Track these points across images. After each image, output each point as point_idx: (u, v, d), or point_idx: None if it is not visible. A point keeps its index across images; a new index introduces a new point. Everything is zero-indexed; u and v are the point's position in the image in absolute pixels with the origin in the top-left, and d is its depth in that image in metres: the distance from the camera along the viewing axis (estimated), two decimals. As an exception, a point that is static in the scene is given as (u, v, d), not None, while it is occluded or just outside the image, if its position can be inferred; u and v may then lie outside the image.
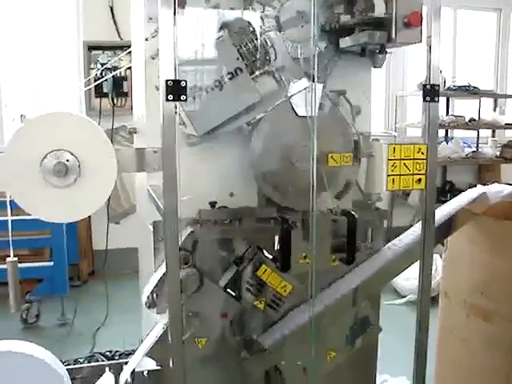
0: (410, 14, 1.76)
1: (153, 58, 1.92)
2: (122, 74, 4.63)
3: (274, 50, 1.87)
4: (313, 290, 1.85)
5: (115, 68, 4.36)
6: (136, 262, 2.88)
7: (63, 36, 5.10)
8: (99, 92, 4.68)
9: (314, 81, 1.80)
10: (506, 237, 2.38)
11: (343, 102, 2.02)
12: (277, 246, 1.92)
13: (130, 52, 2.53)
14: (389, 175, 1.80)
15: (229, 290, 1.90)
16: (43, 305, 4.09)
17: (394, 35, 1.79)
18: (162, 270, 1.80)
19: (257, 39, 1.82)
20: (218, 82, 1.78)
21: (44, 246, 4.55)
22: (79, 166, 1.59)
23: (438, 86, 1.80)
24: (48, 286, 4.09)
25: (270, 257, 1.92)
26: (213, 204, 1.88)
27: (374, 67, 2.06)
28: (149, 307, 1.85)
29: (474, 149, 6.13)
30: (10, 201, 1.65)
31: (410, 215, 5.01)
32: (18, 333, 3.87)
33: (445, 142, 6.06)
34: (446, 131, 6.25)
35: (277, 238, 1.91)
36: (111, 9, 4.98)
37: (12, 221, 1.92)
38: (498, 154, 6.18)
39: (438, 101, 1.81)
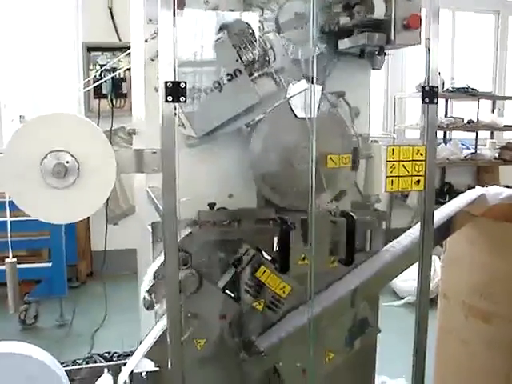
0: (409, 16, 1.77)
1: (152, 60, 1.92)
2: (121, 76, 4.64)
3: (273, 51, 1.88)
4: (312, 291, 1.85)
5: (114, 69, 4.37)
6: (134, 263, 2.88)
7: (62, 37, 5.10)
8: (98, 93, 4.68)
9: (312, 82, 1.80)
10: (505, 238, 2.39)
11: (342, 103, 2.02)
12: (276, 248, 1.92)
13: (129, 53, 2.53)
14: (388, 177, 1.80)
15: (227, 291, 1.90)
16: (41, 306, 4.09)
17: (392, 37, 1.79)
18: (155, 267, 1.81)
19: (256, 41, 1.82)
20: (217, 84, 1.78)
21: (42, 246, 4.55)
22: (78, 167, 1.59)
23: (437, 87, 1.81)
24: (46, 287, 4.09)
25: (269, 258, 1.92)
26: (212, 205, 1.88)
27: (373, 69, 2.06)
28: (147, 308, 1.85)
29: (473, 150, 6.14)
30: (9, 202, 1.65)
31: (408, 217, 5.02)
32: (16, 334, 3.87)
33: (443, 144, 6.07)
34: (445, 133, 6.26)
35: (276, 239, 1.91)
36: (110, 10, 4.98)
37: (11, 222, 1.92)
38: (497, 155, 6.20)
39: (436, 102, 1.81)
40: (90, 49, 4.96)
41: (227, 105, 1.80)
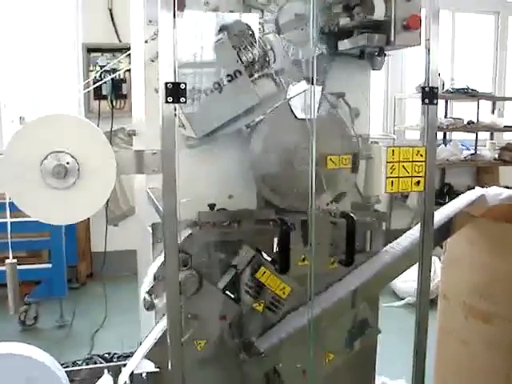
0: (409, 17, 1.77)
1: (152, 61, 1.93)
2: (121, 77, 4.64)
3: (273, 52, 1.88)
4: (311, 292, 1.85)
5: (114, 70, 4.37)
6: (135, 264, 2.88)
7: (62, 38, 5.10)
8: (98, 94, 4.68)
9: (312, 83, 1.80)
10: (504, 239, 2.39)
11: (342, 104, 2.02)
12: (276, 248, 1.93)
13: (129, 54, 2.53)
14: (388, 177, 1.80)
15: (228, 292, 1.90)
16: (41, 307, 4.09)
17: (392, 38, 1.79)
18: (155, 268, 1.81)
19: (256, 42, 1.83)
20: (218, 85, 1.78)
21: (42, 247, 4.55)
22: (78, 168, 1.59)
23: (437, 88, 1.81)
24: (46, 288, 4.09)
25: (269, 259, 1.92)
26: (212, 206, 1.88)
27: (373, 69, 2.06)
28: (147, 309, 1.85)
29: (473, 151, 6.14)
30: (9, 203, 1.65)
31: (408, 217, 5.02)
32: (16, 335, 3.86)
33: (443, 145, 6.07)
34: (445, 134, 6.26)
35: (276, 240, 1.91)
36: (110, 11, 4.98)
37: (11, 223, 1.92)
38: (497, 156, 6.19)
39: (436, 103, 1.81)
40: (90, 50, 4.96)
41: (227, 106, 1.80)
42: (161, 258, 1.74)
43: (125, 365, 2.20)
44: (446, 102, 6.28)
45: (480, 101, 5.99)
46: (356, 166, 2.01)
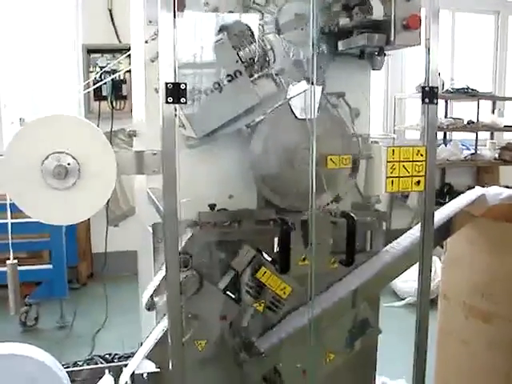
0: (409, 17, 1.77)
1: (152, 61, 1.93)
2: (121, 77, 4.64)
3: (273, 52, 1.88)
4: (312, 291, 1.85)
5: (114, 71, 4.37)
6: (135, 264, 2.88)
7: (62, 39, 5.10)
8: (98, 95, 4.68)
9: (312, 83, 1.80)
10: (505, 238, 2.39)
11: (342, 104, 2.02)
12: (276, 248, 1.93)
13: (129, 55, 2.53)
14: (388, 177, 1.80)
15: (228, 293, 1.90)
16: (42, 307, 4.09)
17: (392, 37, 1.79)
18: (162, 273, 1.81)
19: (256, 42, 1.83)
20: (218, 85, 1.78)
21: (43, 248, 4.55)
22: (79, 169, 1.60)
23: (437, 88, 1.81)
24: (47, 288, 4.09)
25: (270, 259, 1.92)
26: (212, 206, 1.88)
27: (373, 69, 2.06)
28: (148, 309, 1.85)
29: (473, 151, 6.14)
30: (10, 203, 1.65)
31: (408, 217, 5.01)
32: (16, 335, 3.87)
33: (443, 145, 6.07)
34: (445, 133, 6.26)
35: (276, 240, 1.91)
36: (110, 12, 4.98)
37: (12, 223, 1.93)
38: (497, 156, 6.19)
39: (436, 103, 1.81)
40: (90, 51, 4.96)
41: (227, 106, 1.80)
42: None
43: (126, 365, 2.20)
44: (446, 101, 6.28)
45: (480, 100, 5.98)
46: (356, 166, 2.01)
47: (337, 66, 2.00)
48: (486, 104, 6.24)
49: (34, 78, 4.83)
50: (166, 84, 1.53)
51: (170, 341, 1.64)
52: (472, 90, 5.95)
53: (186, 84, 1.54)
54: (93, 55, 4.97)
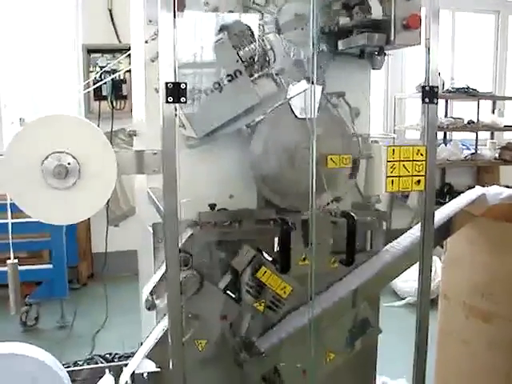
0: (409, 16, 1.77)
1: (152, 61, 1.92)
2: (121, 77, 4.64)
3: (273, 52, 1.88)
4: (312, 291, 1.85)
5: (114, 71, 4.37)
6: (135, 264, 2.88)
7: (62, 39, 5.10)
8: (98, 95, 4.68)
9: (313, 83, 1.80)
10: (505, 238, 2.39)
11: (342, 103, 2.02)
12: (276, 248, 1.93)
13: (129, 55, 2.53)
14: (388, 177, 1.80)
15: (228, 292, 1.90)
16: (42, 307, 4.09)
17: (392, 37, 1.79)
18: (162, 270, 1.81)
19: (256, 41, 1.83)
20: (218, 85, 1.78)
21: (43, 248, 4.55)
22: (79, 169, 1.60)
23: (437, 87, 1.81)
24: (47, 288, 4.09)
25: (270, 259, 1.92)
26: (212, 206, 1.88)
27: (373, 69, 2.06)
28: (149, 309, 1.85)
29: (473, 151, 6.13)
30: (11, 203, 1.65)
31: (409, 217, 5.01)
32: (17, 335, 3.87)
33: (444, 144, 6.07)
34: (445, 133, 6.26)
35: (276, 239, 1.91)
36: (110, 12, 4.98)
37: (12, 223, 1.93)
38: (497, 155, 6.19)
39: (436, 102, 1.81)
40: (90, 51, 4.96)
41: (227, 105, 1.80)
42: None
43: (126, 365, 2.20)
44: (447, 101, 6.28)
45: (480, 100, 5.98)
46: (356, 166, 2.01)
47: (337, 66, 2.00)
48: (486, 104, 6.24)
49: (34, 77, 4.83)
50: (166, 84, 1.53)
51: (170, 340, 1.64)
52: (472, 89, 5.95)
53: (186, 84, 1.54)
54: (93, 55, 4.97)
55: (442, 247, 2.67)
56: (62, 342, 3.70)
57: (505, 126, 6.20)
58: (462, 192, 2.42)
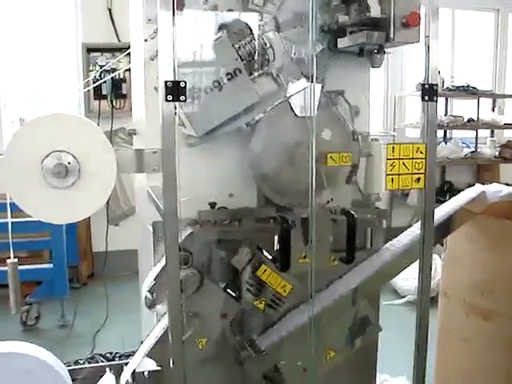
0: (408, 14, 1.77)
1: (152, 59, 1.92)
2: (121, 76, 4.64)
3: (273, 50, 1.88)
4: (312, 289, 1.85)
5: (114, 70, 4.38)
6: (135, 263, 2.88)
7: (62, 38, 5.10)
8: (98, 94, 4.68)
9: (312, 81, 1.80)
10: (505, 236, 2.39)
11: (342, 102, 2.02)
12: (276, 246, 1.93)
13: (128, 54, 2.53)
14: (388, 174, 1.80)
15: (229, 291, 1.90)
16: (43, 307, 4.10)
17: (392, 35, 1.79)
18: (159, 266, 1.81)
19: (255, 40, 1.83)
20: (217, 83, 1.78)
21: (43, 247, 4.55)
22: (79, 168, 1.60)
23: (437, 85, 1.81)
24: (48, 288, 4.09)
25: (270, 257, 1.92)
26: (212, 205, 1.88)
27: (373, 67, 2.06)
28: (149, 307, 1.85)
29: (473, 149, 6.14)
30: (11, 203, 1.66)
31: (409, 215, 5.01)
32: (17, 335, 3.87)
33: (443, 143, 6.07)
34: (445, 131, 6.26)
35: (276, 238, 1.91)
36: (109, 11, 4.98)
37: (12, 223, 1.93)
38: (497, 153, 6.20)
39: (436, 100, 1.81)
40: (90, 49, 4.96)
41: (227, 104, 1.80)
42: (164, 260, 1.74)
43: (127, 363, 2.20)
44: (446, 99, 6.28)
45: (480, 98, 5.98)
46: (356, 164, 2.01)
47: (336, 64, 2.00)
48: (486, 102, 6.24)
49: (34, 77, 4.83)
50: (166, 82, 1.53)
51: (170, 339, 1.65)
52: (472, 87, 5.95)
53: (185, 82, 1.54)
54: (92, 54, 4.96)
55: (442, 245, 2.67)
56: (62, 342, 3.70)
57: (505, 124, 6.21)
58: (462, 190, 2.42)
